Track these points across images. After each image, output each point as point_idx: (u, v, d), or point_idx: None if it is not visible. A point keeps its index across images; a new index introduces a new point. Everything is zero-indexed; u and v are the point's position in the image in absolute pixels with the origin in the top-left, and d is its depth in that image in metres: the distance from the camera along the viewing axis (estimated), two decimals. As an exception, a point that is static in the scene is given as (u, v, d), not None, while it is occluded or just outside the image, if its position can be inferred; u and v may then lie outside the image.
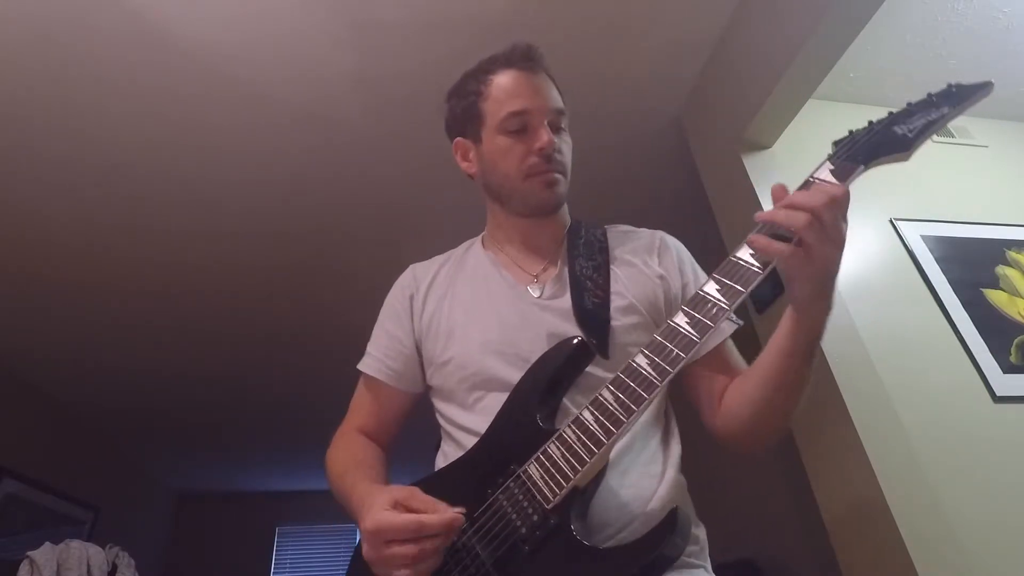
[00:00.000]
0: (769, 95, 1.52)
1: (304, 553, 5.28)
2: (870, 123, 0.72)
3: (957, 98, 0.69)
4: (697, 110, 1.89)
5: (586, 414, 0.66)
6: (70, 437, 3.55)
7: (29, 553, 2.17)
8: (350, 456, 0.86)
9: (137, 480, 4.54)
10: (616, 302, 0.85)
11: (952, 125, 0.60)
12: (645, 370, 0.64)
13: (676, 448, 0.82)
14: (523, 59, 0.89)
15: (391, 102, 1.81)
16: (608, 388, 0.66)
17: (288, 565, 5.21)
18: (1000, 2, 1.67)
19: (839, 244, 0.62)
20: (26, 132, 1.77)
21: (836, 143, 0.72)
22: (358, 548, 0.77)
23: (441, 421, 0.90)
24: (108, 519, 3.76)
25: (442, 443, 0.89)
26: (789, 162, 1.66)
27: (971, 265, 1.60)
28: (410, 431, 0.97)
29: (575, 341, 0.76)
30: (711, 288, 0.66)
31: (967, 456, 1.31)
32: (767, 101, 1.54)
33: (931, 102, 0.70)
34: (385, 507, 0.63)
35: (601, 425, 0.64)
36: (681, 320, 0.65)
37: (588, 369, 0.77)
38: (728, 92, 1.72)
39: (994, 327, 1.51)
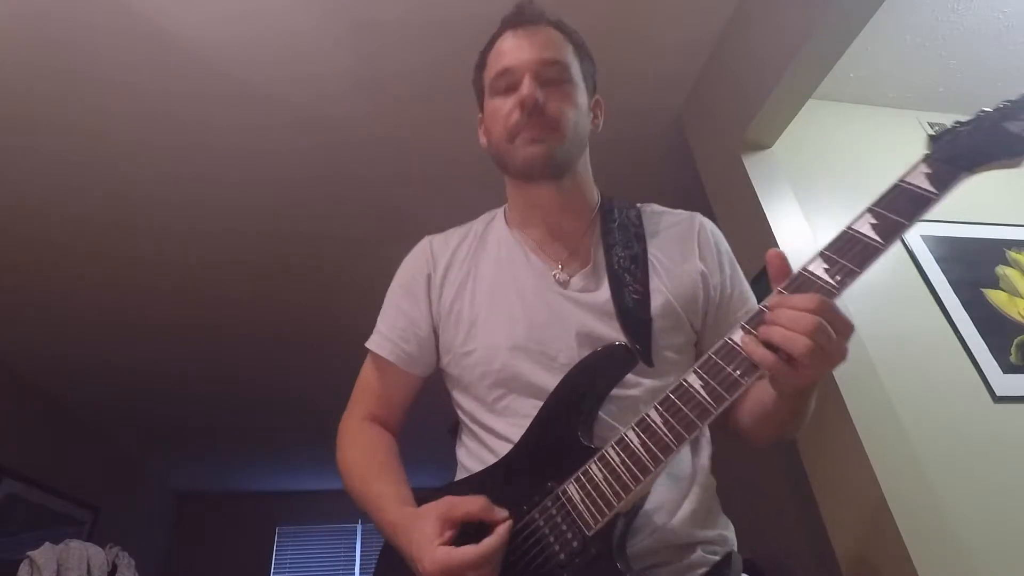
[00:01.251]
0: (769, 95, 1.52)
1: (304, 553, 5.27)
2: (976, 116, 0.60)
3: None
4: (697, 110, 1.89)
5: (632, 436, 0.61)
6: (70, 437, 3.55)
7: (29, 553, 2.17)
8: (368, 457, 0.81)
9: (137, 480, 4.53)
10: (656, 299, 0.77)
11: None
12: (699, 394, 0.58)
13: (707, 448, 0.77)
14: (514, 17, 0.85)
15: (391, 102, 1.81)
16: (657, 409, 0.61)
17: (288, 565, 5.21)
18: (1000, 2, 1.66)
19: (835, 365, 0.56)
20: (26, 132, 1.77)
21: (934, 138, 0.61)
22: (384, 555, 0.74)
23: (461, 414, 0.85)
24: (108, 519, 3.76)
25: (463, 435, 0.84)
26: (789, 162, 1.66)
27: (971, 265, 1.60)
28: (419, 423, 0.94)
29: (621, 348, 0.71)
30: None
31: (967, 456, 1.31)
32: (767, 101, 1.53)
33: None
34: (437, 539, 0.60)
35: (648, 451, 0.59)
36: (740, 340, 0.58)
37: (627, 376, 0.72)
38: (728, 92, 1.71)
39: (994, 327, 1.51)
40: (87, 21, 1.49)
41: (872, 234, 0.56)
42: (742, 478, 2.43)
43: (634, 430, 0.62)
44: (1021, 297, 1.60)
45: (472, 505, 0.62)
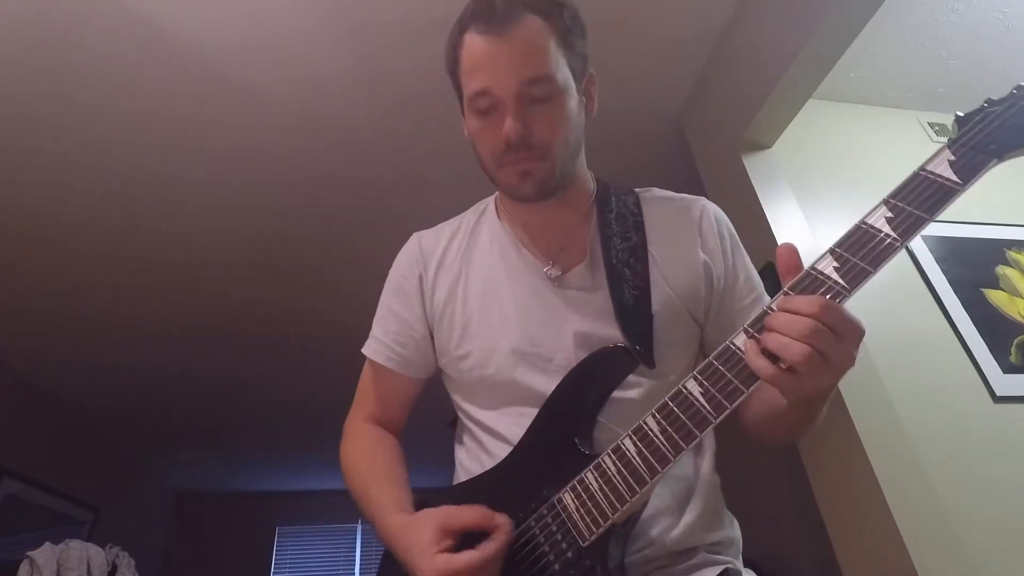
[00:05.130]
0: (769, 95, 1.52)
1: (304, 553, 5.27)
2: (1012, 92, 0.53)
3: None
4: (697, 110, 1.89)
5: (628, 444, 0.59)
6: (70, 437, 3.55)
7: (29, 553, 2.17)
8: (369, 460, 0.80)
9: (137, 480, 4.53)
10: (657, 295, 0.73)
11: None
12: (698, 401, 0.55)
13: (710, 443, 0.75)
14: (485, 14, 0.70)
15: (391, 102, 1.81)
16: (654, 417, 0.58)
17: (288, 565, 5.20)
18: (1000, 2, 1.66)
19: (841, 373, 0.51)
20: (26, 132, 1.77)
21: (962, 119, 0.54)
22: (385, 561, 0.74)
23: (460, 413, 0.83)
24: (108, 519, 3.76)
25: (462, 433, 0.82)
26: (789, 162, 1.66)
27: (971, 265, 1.60)
28: (419, 420, 0.93)
29: (620, 349, 0.68)
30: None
31: (967, 456, 1.31)
32: (767, 101, 1.53)
33: None
34: (435, 546, 0.59)
35: (645, 460, 0.57)
36: (743, 343, 0.54)
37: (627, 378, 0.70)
38: (728, 92, 1.71)
39: (994, 327, 1.51)
40: (87, 21, 1.49)
41: (888, 229, 0.51)
42: (742, 478, 2.43)
43: (631, 438, 0.59)
44: (1021, 297, 1.60)
45: (471, 515, 0.61)
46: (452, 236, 0.87)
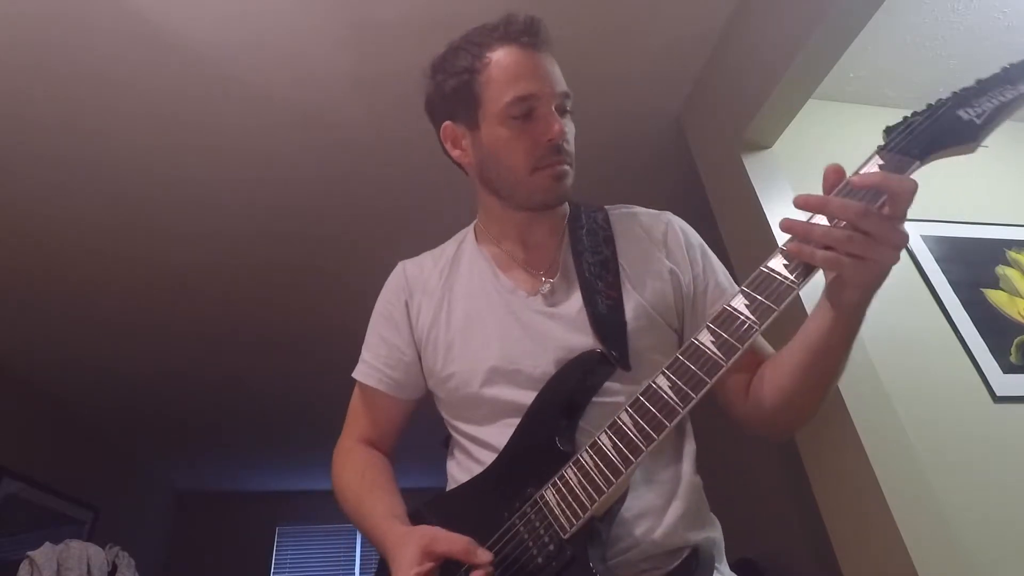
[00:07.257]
0: (769, 95, 1.52)
1: (304, 553, 5.27)
2: (930, 106, 0.60)
3: None
4: (697, 110, 1.89)
5: (604, 439, 0.62)
6: (70, 437, 3.55)
7: (29, 553, 2.18)
8: (360, 479, 0.83)
9: (137, 480, 4.54)
10: (629, 303, 0.77)
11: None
12: (666, 394, 0.59)
13: (690, 446, 0.77)
14: (525, 34, 0.79)
15: (391, 102, 1.81)
16: (627, 411, 0.62)
17: (288, 565, 5.21)
18: (1000, 2, 1.66)
19: (901, 246, 0.55)
20: (26, 132, 1.77)
21: (888, 130, 0.61)
22: (381, 566, 0.76)
23: (450, 429, 0.86)
24: (108, 519, 3.76)
25: (453, 448, 0.85)
26: (789, 162, 1.66)
27: (971, 265, 1.60)
28: (418, 424, 0.95)
29: (596, 354, 0.72)
30: (739, 304, 0.59)
31: (967, 456, 1.31)
32: (767, 101, 1.53)
33: (1006, 77, 0.58)
34: (414, 564, 0.62)
35: (619, 452, 0.60)
36: (706, 339, 0.59)
37: (607, 383, 0.73)
38: (728, 92, 1.72)
39: (994, 327, 1.51)
40: (87, 21, 1.49)
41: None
42: (742, 478, 2.43)
43: (606, 433, 0.63)
44: (1021, 297, 1.60)
45: (455, 545, 0.63)
46: (434, 264, 0.91)
